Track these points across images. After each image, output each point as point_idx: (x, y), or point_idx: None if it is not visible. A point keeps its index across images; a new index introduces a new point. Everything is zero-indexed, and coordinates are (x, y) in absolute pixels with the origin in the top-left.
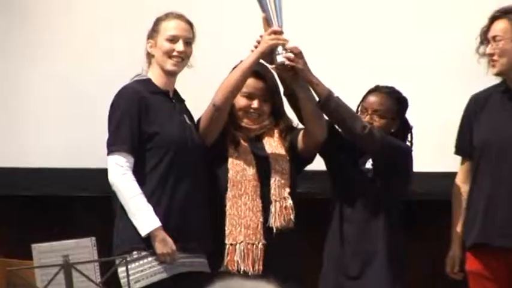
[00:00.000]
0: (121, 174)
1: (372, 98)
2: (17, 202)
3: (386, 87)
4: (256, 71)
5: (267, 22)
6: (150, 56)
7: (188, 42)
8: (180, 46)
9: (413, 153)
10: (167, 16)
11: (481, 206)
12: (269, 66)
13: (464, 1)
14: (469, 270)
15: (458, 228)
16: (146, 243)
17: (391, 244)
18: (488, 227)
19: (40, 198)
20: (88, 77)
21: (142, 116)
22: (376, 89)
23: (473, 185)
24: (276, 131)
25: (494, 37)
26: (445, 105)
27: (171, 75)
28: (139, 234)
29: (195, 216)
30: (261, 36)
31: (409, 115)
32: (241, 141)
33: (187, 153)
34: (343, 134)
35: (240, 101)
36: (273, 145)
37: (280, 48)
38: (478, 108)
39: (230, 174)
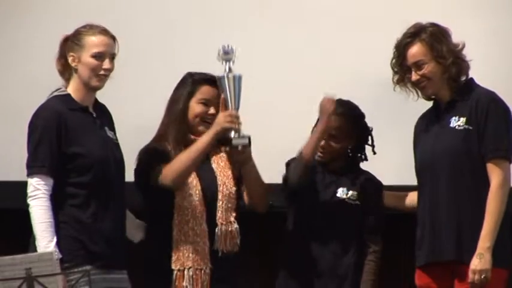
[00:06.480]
0: (36, 197)
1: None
2: None
3: (341, 105)
4: (209, 79)
5: (225, 103)
6: (68, 70)
7: (113, 58)
8: (107, 64)
9: None
10: (90, 29)
11: (427, 227)
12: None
13: None
14: (419, 285)
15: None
16: (76, 261)
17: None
18: (436, 246)
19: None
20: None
21: (62, 136)
22: None
23: (418, 208)
24: (224, 152)
25: (416, 63)
26: None
27: (94, 90)
28: (73, 251)
29: (116, 234)
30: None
31: None
32: None
33: (109, 172)
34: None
35: (196, 108)
36: (220, 165)
37: (233, 132)
38: (417, 132)
39: (176, 200)
